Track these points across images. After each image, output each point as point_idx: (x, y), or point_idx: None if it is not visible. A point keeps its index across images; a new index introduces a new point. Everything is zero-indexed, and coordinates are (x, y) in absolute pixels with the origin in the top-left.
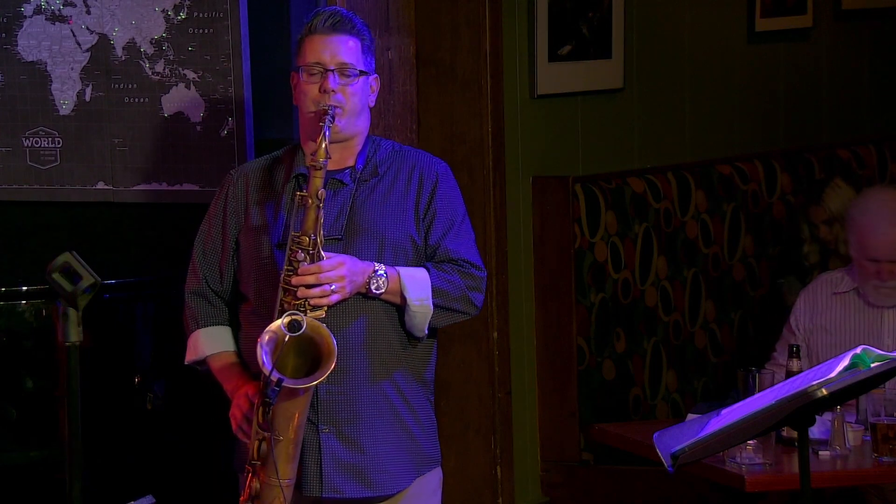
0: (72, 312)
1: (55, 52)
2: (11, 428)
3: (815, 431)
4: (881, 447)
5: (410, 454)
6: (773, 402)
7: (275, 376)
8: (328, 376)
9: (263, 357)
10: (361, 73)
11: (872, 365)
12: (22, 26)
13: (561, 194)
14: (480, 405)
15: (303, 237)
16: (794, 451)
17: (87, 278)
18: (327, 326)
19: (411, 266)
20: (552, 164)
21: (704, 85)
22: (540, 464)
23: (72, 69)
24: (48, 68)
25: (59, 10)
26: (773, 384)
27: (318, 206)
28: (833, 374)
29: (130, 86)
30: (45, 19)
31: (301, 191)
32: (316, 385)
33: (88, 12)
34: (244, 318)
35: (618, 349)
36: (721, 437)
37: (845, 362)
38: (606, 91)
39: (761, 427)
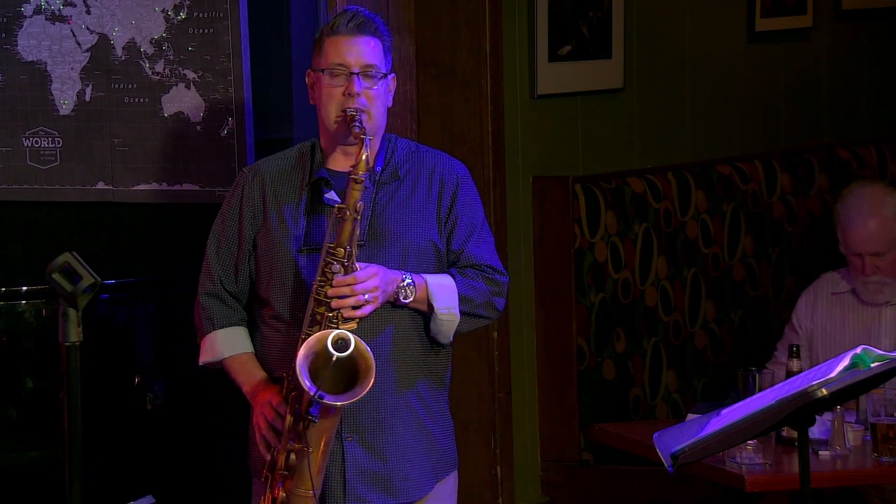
0: (72, 312)
1: (55, 52)
2: (11, 428)
3: (815, 431)
4: (881, 447)
5: (431, 460)
6: (773, 402)
7: (314, 392)
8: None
9: (303, 375)
10: (384, 75)
11: (872, 365)
12: (22, 26)
13: (561, 194)
14: (480, 405)
15: (338, 249)
16: (794, 451)
17: (87, 278)
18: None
19: (434, 272)
20: (552, 164)
21: (704, 85)
22: (540, 464)
23: (72, 69)
24: (48, 68)
25: (59, 10)
26: (773, 384)
27: (356, 219)
28: (833, 374)
29: (130, 86)
30: (45, 19)
31: (326, 194)
32: (351, 402)
33: (88, 12)
34: (263, 321)
35: (618, 349)
36: (721, 437)
37: (845, 362)
38: (606, 91)
39: (761, 427)
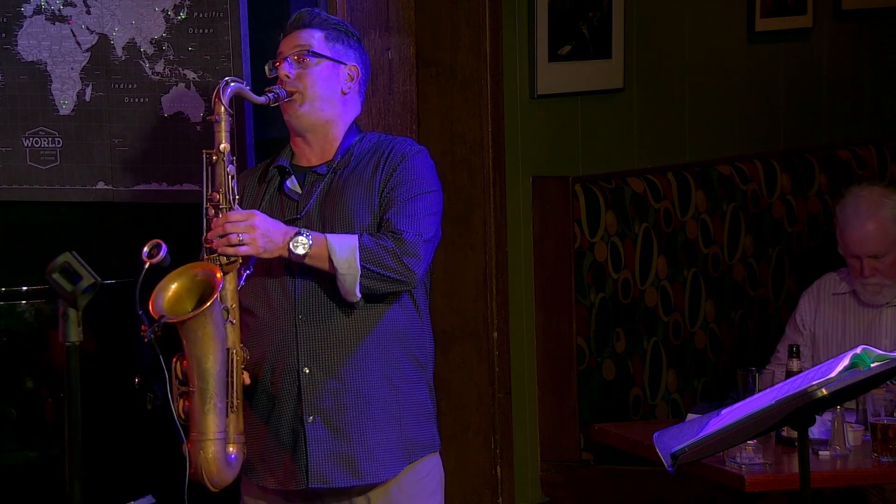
0: (72, 312)
1: (55, 52)
2: (11, 428)
3: (815, 431)
4: (881, 447)
5: (400, 441)
6: (773, 402)
7: (158, 314)
8: (311, 365)
9: (155, 302)
10: (320, 56)
11: (872, 365)
12: (22, 26)
13: (561, 194)
14: (480, 405)
15: (214, 194)
16: (794, 451)
17: (87, 278)
18: (305, 318)
19: None
20: (552, 164)
21: (704, 85)
22: (540, 464)
23: (72, 69)
24: (48, 68)
25: (59, 10)
26: (773, 384)
27: (224, 160)
28: (833, 374)
29: (130, 86)
30: (45, 19)
31: (287, 181)
32: (192, 317)
33: (88, 12)
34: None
35: (618, 349)
36: (721, 437)
37: (845, 362)
38: (606, 91)
39: (761, 427)
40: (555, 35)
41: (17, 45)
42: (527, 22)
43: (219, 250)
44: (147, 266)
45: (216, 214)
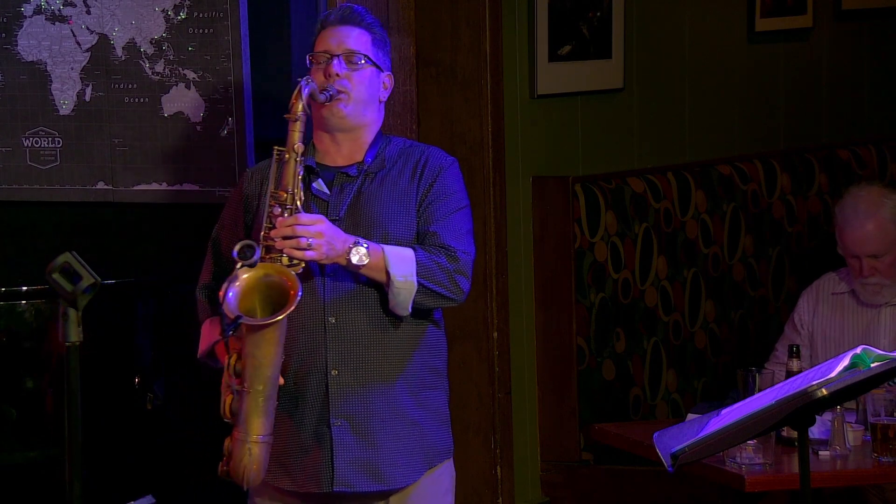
0: (72, 312)
1: (55, 52)
2: (11, 428)
3: (815, 431)
4: (881, 447)
5: (421, 447)
6: (773, 402)
7: (233, 314)
8: (340, 368)
9: (227, 299)
10: (369, 61)
11: (872, 365)
12: (22, 26)
13: (561, 194)
14: (480, 405)
15: (280, 192)
16: (794, 451)
17: (87, 278)
18: (336, 321)
19: None
20: (552, 164)
21: (704, 85)
22: (540, 464)
23: (72, 69)
24: (48, 68)
25: (59, 10)
26: (773, 384)
27: (297, 161)
28: (833, 374)
29: (130, 86)
30: (45, 19)
31: (314, 184)
32: (271, 323)
33: (88, 12)
34: None
35: (618, 349)
36: (721, 437)
37: (845, 362)
38: (606, 91)
39: (761, 427)
40: (555, 35)
41: (17, 45)
42: (527, 22)
43: (285, 251)
44: (239, 266)
45: (282, 213)
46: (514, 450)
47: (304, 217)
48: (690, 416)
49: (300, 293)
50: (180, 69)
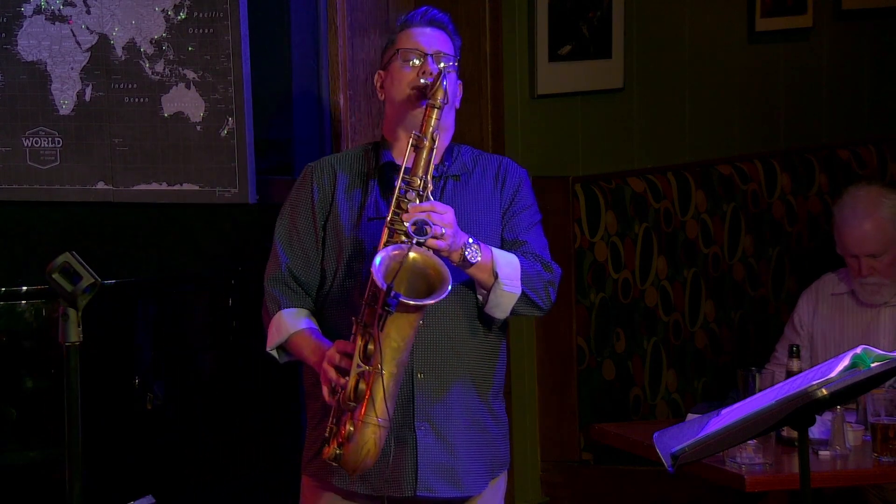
0: (72, 312)
1: (55, 52)
2: (11, 428)
3: (815, 431)
4: (881, 447)
5: (490, 455)
6: (773, 402)
7: (386, 288)
8: (425, 371)
9: (377, 274)
10: (458, 62)
11: (872, 365)
12: (22, 26)
13: (561, 194)
14: None
15: (413, 178)
16: (794, 451)
17: (87, 278)
18: (424, 321)
19: None
20: (552, 164)
21: (704, 85)
22: (540, 464)
23: (72, 69)
24: (48, 68)
25: (59, 10)
26: (773, 384)
27: (432, 149)
28: (833, 374)
29: (130, 86)
30: (45, 19)
31: (395, 180)
32: (427, 305)
33: (88, 12)
34: (326, 302)
35: (618, 349)
36: (721, 437)
37: (845, 362)
38: (606, 91)
39: (761, 427)
40: (555, 35)
41: (17, 45)
42: (527, 22)
43: (415, 236)
44: (413, 242)
45: (414, 199)
46: (514, 450)
47: (439, 205)
48: (690, 416)
49: (451, 282)
50: (180, 69)
